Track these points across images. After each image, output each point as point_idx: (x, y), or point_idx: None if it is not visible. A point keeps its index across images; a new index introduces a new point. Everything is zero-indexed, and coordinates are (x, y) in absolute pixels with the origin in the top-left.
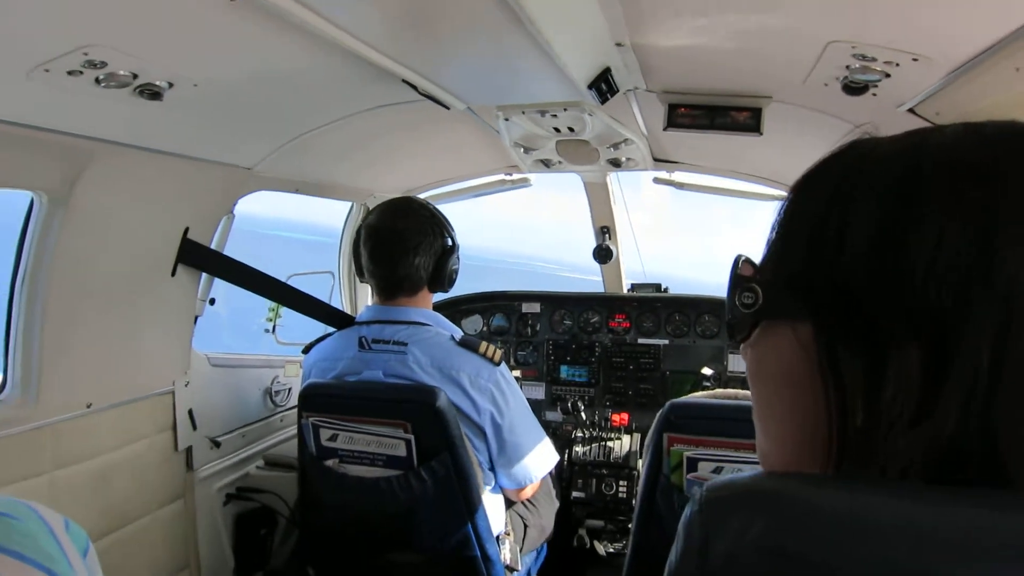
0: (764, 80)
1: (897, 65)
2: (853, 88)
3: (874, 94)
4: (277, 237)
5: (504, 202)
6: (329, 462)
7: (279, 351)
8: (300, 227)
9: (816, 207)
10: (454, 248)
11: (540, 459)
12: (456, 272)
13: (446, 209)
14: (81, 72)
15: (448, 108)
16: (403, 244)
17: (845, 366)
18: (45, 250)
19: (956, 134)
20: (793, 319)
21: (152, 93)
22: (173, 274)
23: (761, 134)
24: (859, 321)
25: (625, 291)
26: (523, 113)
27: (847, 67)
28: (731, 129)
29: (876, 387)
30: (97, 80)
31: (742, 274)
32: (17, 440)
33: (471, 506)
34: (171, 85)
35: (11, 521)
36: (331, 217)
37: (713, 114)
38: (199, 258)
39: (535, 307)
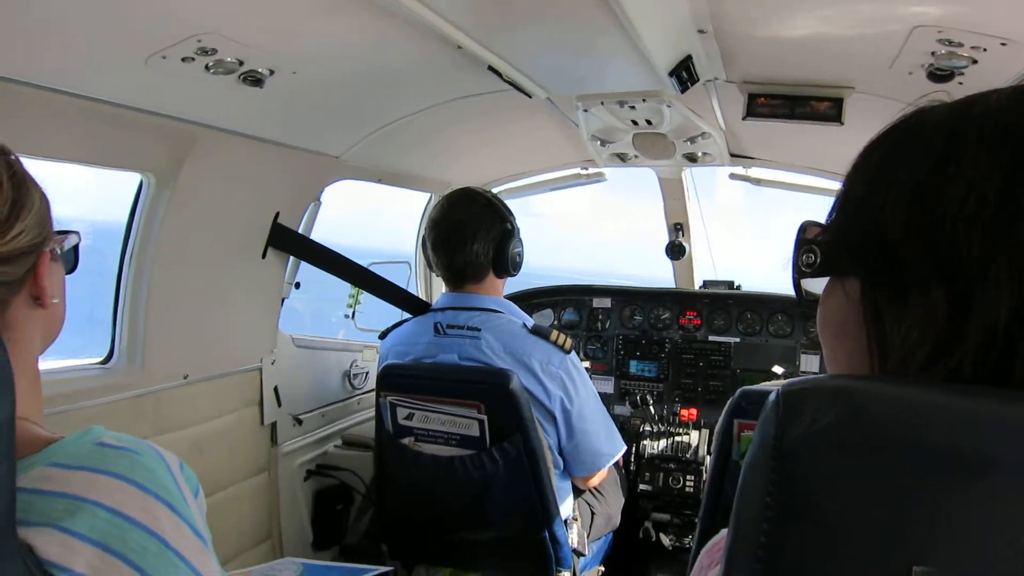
0: (847, 69)
1: (985, 50)
2: (939, 76)
3: (960, 83)
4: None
5: (576, 218)
6: (405, 440)
7: (357, 336)
8: (371, 254)
9: (868, 172)
10: (513, 232)
11: (608, 447)
12: (519, 255)
13: (516, 205)
14: (193, 59)
15: (530, 96)
16: (461, 233)
17: (885, 314)
18: (152, 229)
19: (1001, 97)
20: (843, 276)
21: (254, 80)
22: (263, 256)
23: (842, 123)
24: (895, 270)
25: (697, 288)
26: (602, 104)
27: (933, 53)
28: (811, 119)
29: (906, 328)
30: (207, 67)
31: (806, 238)
32: (123, 405)
33: (541, 487)
34: (272, 72)
35: (134, 455)
36: (399, 244)
37: (793, 104)
38: (288, 242)
39: (606, 302)
